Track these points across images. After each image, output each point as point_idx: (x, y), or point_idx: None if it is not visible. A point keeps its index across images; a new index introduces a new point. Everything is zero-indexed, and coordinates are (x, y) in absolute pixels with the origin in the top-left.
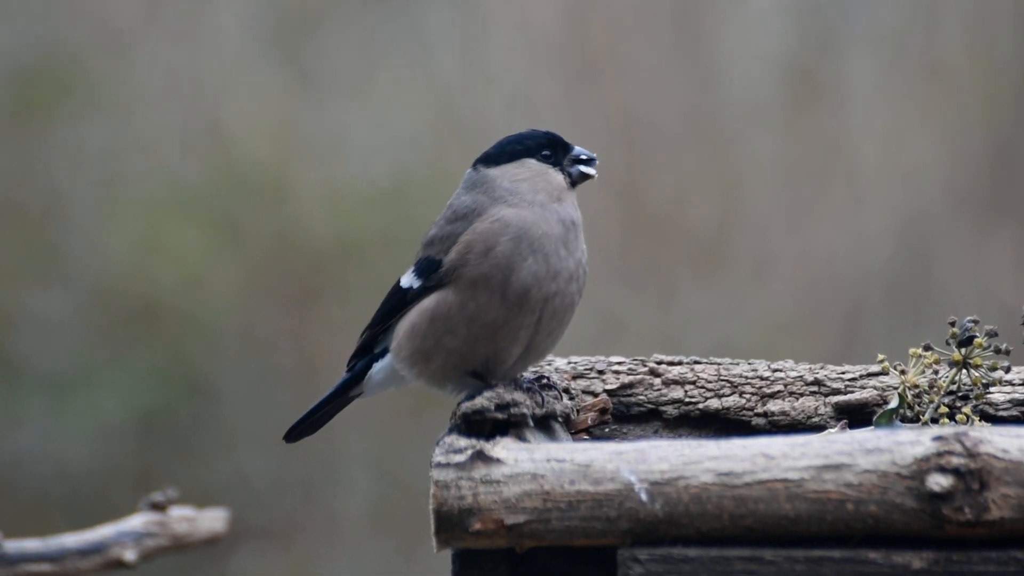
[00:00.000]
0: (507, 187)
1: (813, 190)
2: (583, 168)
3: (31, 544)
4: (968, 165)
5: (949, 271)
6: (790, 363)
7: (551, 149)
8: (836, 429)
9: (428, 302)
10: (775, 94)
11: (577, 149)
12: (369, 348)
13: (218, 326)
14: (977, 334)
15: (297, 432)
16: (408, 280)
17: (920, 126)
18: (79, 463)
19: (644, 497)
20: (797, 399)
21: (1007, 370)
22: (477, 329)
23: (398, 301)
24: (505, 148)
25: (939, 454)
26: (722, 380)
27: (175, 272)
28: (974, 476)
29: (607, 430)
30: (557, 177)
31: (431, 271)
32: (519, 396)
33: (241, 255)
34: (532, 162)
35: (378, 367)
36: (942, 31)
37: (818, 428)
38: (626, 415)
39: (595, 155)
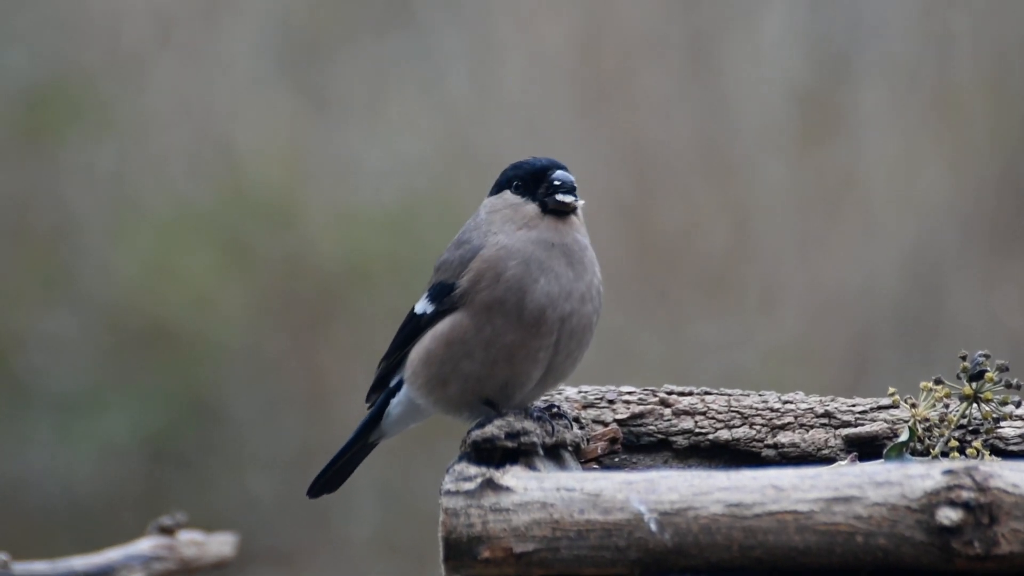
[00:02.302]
0: (484, 217)
1: (824, 220)
2: (558, 197)
3: (39, 567)
4: (979, 196)
5: (960, 302)
6: (800, 395)
7: (523, 181)
8: (846, 462)
9: (442, 326)
10: (787, 123)
11: (554, 176)
12: (385, 382)
13: (227, 349)
14: (988, 368)
15: (319, 486)
16: (422, 306)
17: (931, 157)
18: (86, 485)
19: (654, 527)
20: (807, 431)
21: (1018, 404)
22: (495, 352)
23: (413, 328)
24: (498, 178)
25: (949, 488)
26: (732, 411)
27: (184, 294)
28: (984, 510)
29: (617, 460)
30: (527, 208)
31: (444, 295)
32: (529, 425)
33: (250, 278)
34: (507, 194)
35: (395, 401)
36: (954, 62)
37: (828, 460)
38: (636, 445)
39: (571, 180)
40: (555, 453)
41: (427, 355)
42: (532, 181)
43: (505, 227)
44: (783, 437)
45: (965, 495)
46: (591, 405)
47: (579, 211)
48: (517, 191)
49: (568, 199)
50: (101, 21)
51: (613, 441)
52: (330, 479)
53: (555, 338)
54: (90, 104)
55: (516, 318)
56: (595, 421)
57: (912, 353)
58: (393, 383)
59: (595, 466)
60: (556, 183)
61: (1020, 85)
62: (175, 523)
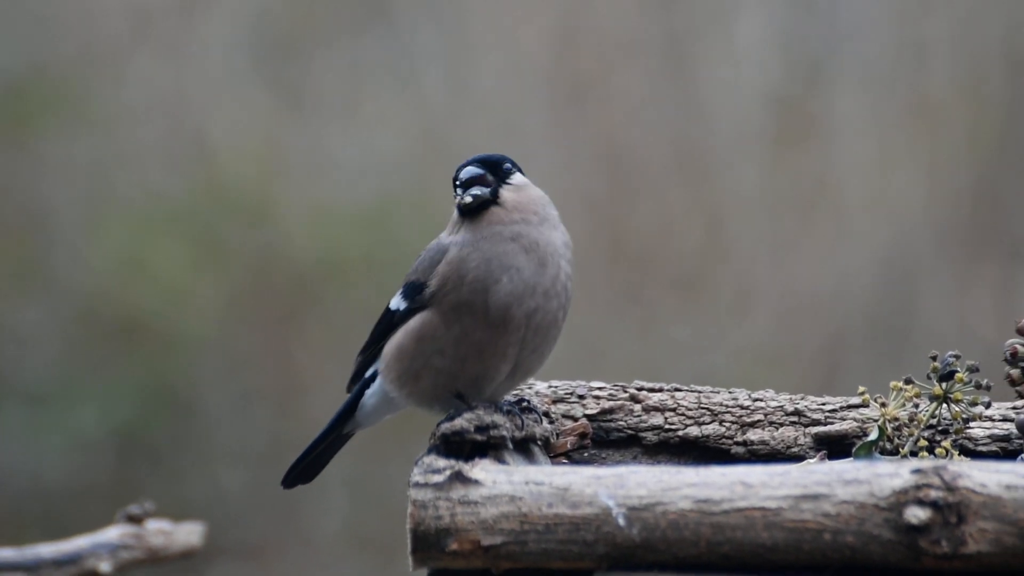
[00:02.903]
0: (454, 216)
1: (797, 223)
2: (458, 199)
3: (6, 553)
4: (952, 201)
5: (931, 306)
6: (771, 393)
7: (456, 179)
8: (815, 460)
9: (414, 322)
10: (761, 127)
11: (457, 176)
12: (363, 374)
13: (199, 342)
14: (958, 369)
15: (294, 477)
16: (396, 302)
17: (905, 162)
18: (56, 477)
19: (622, 522)
20: (777, 429)
21: (987, 405)
22: (464, 349)
23: (387, 323)
24: None
25: (917, 487)
26: (702, 408)
27: (157, 288)
28: (952, 509)
29: (586, 455)
30: (454, 214)
31: (416, 293)
32: (499, 418)
33: (224, 272)
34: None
35: (370, 392)
36: (929, 68)
37: (797, 458)
38: (606, 440)
39: (470, 174)
40: (524, 447)
41: (399, 350)
42: (454, 185)
43: (455, 240)
44: (753, 434)
45: (933, 494)
46: (561, 400)
47: (509, 197)
48: (454, 187)
49: (468, 199)
50: (77, 15)
51: (583, 436)
52: (304, 470)
53: (522, 334)
54: (66, 97)
55: (483, 317)
56: (565, 416)
57: (883, 356)
58: (368, 374)
59: (564, 461)
60: (457, 185)
61: (995, 91)
62: (143, 512)
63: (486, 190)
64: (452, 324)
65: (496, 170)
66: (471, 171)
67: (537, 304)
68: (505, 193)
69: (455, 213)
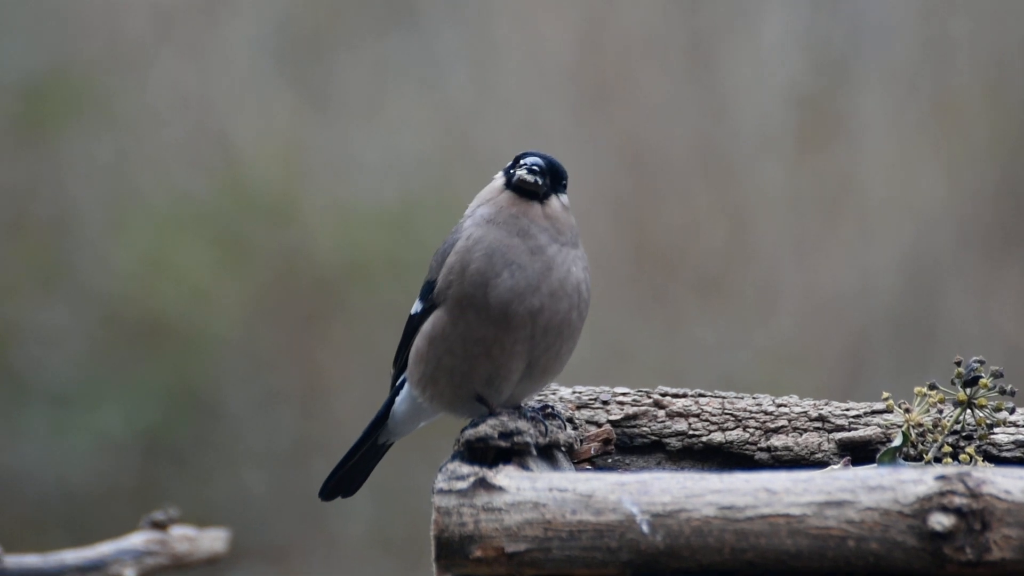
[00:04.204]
0: (473, 204)
1: (821, 223)
2: (519, 173)
3: (31, 560)
4: (977, 202)
5: (956, 308)
6: (794, 398)
7: (513, 162)
8: (839, 466)
9: (427, 324)
10: (785, 127)
11: (525, 158)
12: (396, 383)
13: (223, 343)
14: (983, 374)
15: (331, 488)
16: (415, 306)
17: (929, 162)
18: (80, 479)
19: (646, 529)
20: (801, 435)
21: (1011, 411)
22: (471, 347)
23: (410, 329)
24: None
25: (942, 493)
26: (726, 414)
27: (181, 289)
28: (976, 516)
29: (610, 461)
30: (496, 182)
31: (428, 292)
32: (523, 424)
33: (248, 273)
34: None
35: (400, 399)
36: (953, 68)
37: (821, 464)
38: (629, 446)
39: (540, 163)
40: (548, 453)
41: (416, 353)
42: (512, 163)
43: (478, 211)
44: (776, 440)
45: (957, 501)
46: (585, 406)
47: (555, 205)
48: (504, 171)
49: (528, 177)
50: (101, 14)
51: (606, 442)
52: (342, 481)
53: (529, 332)
54: (89, 97)
55: (484, 312)
56: (589, 422)
57: (907, 357)
58: (398, 382)
59: (588, 467)
60: (522, 162)
61: (1019, 91)
62: (167, 518)
63: (544, 185)
64: (457, 321)
65: (555, 178)
66: (538, 161)
67: (542, 303)
68: (553, 200)
69: (494, 183)
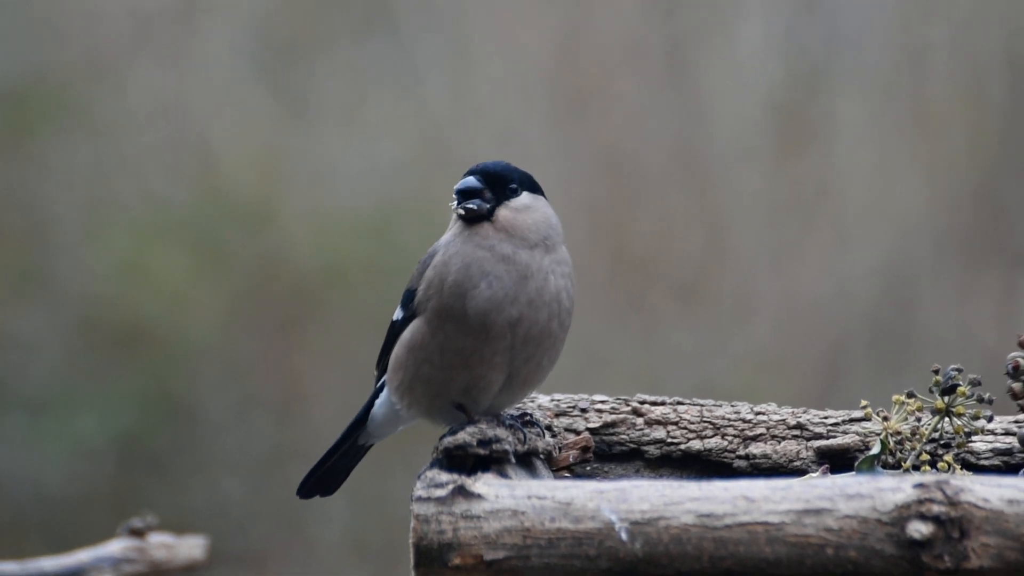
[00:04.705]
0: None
1: (798, 230)
2: (455, 207)
3: (8, 567)
4: (954, 208)
5: (933, 314)
6: (773, 406)
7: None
8: (818, 474)
9: (407, 333)
10: (763, 133)
11: (458, 185)
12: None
13: (200, 349)
14: (960, 383)
15: (310, 486)
16: (397, 312)
17: (907, 168)
18: (57, 485)
19: (624, 536)
20: (779, 443)
21: (989, 419)
22: (450, 357)
23: (391, 334)
24: None
25: (920, 501)
26: (705, 421)
27: (158, 295)
28: (954, 524)
29: (589, 468)
30: (453, 215)
31: (409, 301)
32: (501, 432)
33: (225, 280)
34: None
35: (379, 402)
36: (930, 74)
37: (800, 472)
38: (608, 454)
39: (468, 185)
40: (527, 461)
41: (395, 361)
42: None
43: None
44: (755, 448)
45: (936, 509)
46: (563, 413)
47: (504, 216)
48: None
49: (461, 210)
50: (79, 20)
51: (585, 450)
52: (322, 480)
53: (508, 343)
54: (66, 104)
55: (463, 323)
56: (567, 429)
57: (885, 363)
58: (379, 384)
59: (567, 475)
60: (455, 191)
61: (996, 97)
62: (145, 525)
63: (484, 205)
64: (436, 331)
65: (500, 186)
66: (469, 183)
67: (521, 313)
68: (501, 212)
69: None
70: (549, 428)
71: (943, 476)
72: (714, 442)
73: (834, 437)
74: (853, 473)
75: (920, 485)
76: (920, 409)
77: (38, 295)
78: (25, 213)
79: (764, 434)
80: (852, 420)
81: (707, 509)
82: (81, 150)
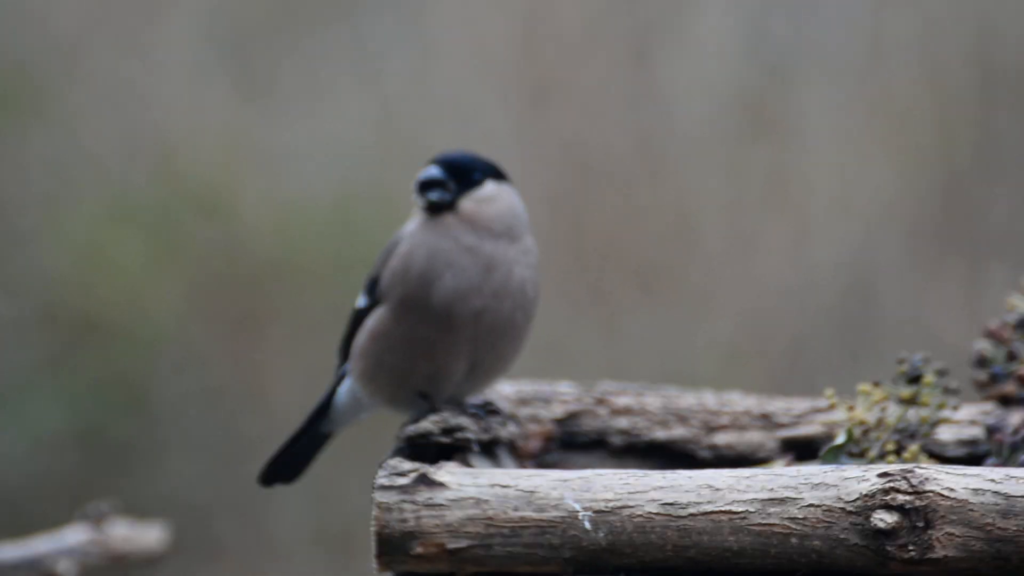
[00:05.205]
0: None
1: (762, 220)
2: (417, 199)
3: None
4: (919, 200)
5: (898, 304)
6: (738, 396)
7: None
8: (783, 463)
9: (370, 320)
10: (725, 125)
11: (420, 176)
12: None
13: (160, 339)
14: (926, 372)
15: (271, 473)
16: (360, 300)
17: (871, 160)
18: (14, 476)
19: (588, 525)
20: (744, 432)
21: (955, 409)
22: (413, 346)
23: (354, 321)
24: None
25: (885, 491)
26: (669, 411)
27: (117, 284)
28: (919, 514)
29: (552, 458)
30: (417, 204)
31: (373, 288)
32: (465, 421)
33: (184, 269)
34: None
35: (342, 390)
36: (896, 65)
37: (764, 461)
38: (572, 443)
39: (428, 175)
40: (490, 450)
41: (358, 349)
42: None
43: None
44: (719, 438)
45: (901, 498)
46: (527, 403)
47: (467, 207)
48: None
49: (422, 202)
50: (34, 7)
51: (549, 439)
52: (284, 467)
53: (472, 332)
54: (22, 91)
55: (427, 313)
56: (531, 419)
57: (849, 354)
58: (341, 371)
59: (530, 464)
60: (417, 184)
61: (963, 89)
62: (103, 513)
63: (446, 196)
64: (400, 320)
65: (463, 176)
66: (431, 173)
67: (485, 303)
68: (464, 203)
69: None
70: (513, 417)
71: (908, 465)
72: (678, 432)
73: (799, 427)
74: (818, 462)
75: (885, 474)
76: (886, 399)
77: None
78: None
79: (729, 424)
80: (817, 410)
81: (671, 498)
82: (37, 138)
